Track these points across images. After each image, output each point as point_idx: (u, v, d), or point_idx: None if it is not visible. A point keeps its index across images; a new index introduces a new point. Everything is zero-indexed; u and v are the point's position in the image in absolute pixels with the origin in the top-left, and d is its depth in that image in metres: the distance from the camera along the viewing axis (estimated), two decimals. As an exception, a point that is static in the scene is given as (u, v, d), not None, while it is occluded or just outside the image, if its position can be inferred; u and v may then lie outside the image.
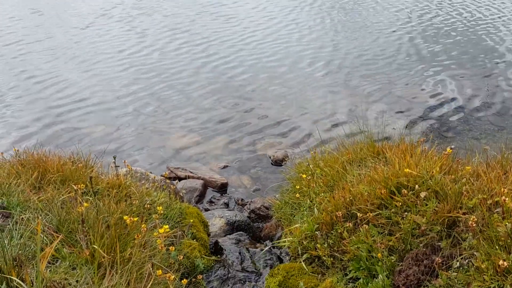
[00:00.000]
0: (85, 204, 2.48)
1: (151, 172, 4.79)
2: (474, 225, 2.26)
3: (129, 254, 2.33)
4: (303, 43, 9.08)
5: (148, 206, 3.06)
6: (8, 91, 7.19)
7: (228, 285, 3.03)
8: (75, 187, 2.92)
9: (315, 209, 3.13)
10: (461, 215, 2.48)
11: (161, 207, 2.98)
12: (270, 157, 5.73)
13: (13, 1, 12.33)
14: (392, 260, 2.53)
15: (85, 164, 3.47)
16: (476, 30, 9.66)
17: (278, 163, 5.61)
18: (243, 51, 8.71)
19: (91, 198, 2.82)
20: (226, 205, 4.73)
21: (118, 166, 3.38)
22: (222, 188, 5.14)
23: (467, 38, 9.26)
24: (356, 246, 2.67)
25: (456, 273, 2.23)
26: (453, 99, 7.02)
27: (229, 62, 8.28)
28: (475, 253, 2.24)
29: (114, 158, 3.30)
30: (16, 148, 5.72)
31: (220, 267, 3.16)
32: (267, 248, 3.54)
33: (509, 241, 2.14)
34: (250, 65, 8.24)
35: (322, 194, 3.34)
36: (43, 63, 8.19)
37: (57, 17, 10.38)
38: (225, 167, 5.60)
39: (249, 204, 4.56)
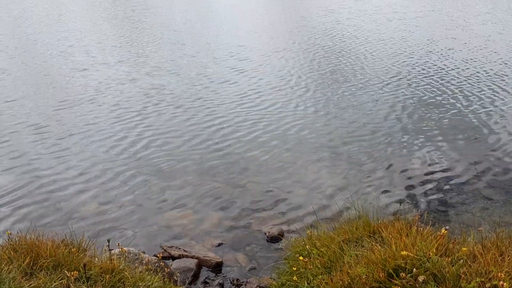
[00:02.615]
0: (78, 294, 2.42)
1: (144, 252, 4.71)
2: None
3: None
4: (297, 115, 9.34)
5: (142, 292, 2.98)
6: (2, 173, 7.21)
7: None
8: (68, 274, 2.86)
9: (313, 293, 3.08)
10: (461, 301, 2.45)
11: (155, 294, 2.91)
12: (265, 234, 5.68)
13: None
14: None
15: (78, 247, 3.42)
16: (467, 101, 10.03)
17: (273, 239, 5.55)
18: (236, 123, 8.90)
19: (84, 286, 2.75)
20: (221, 285, 4.61)
21: (112, 250, 3.34)
22: (217, 267, 5.02)
23: (458, 108, 9.58)
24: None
25: None
26: (445, 171, 7.13)
27: (221, 136, 8.43)
28: None
29: (108, 241, 3.27)
30: (7, 226, 5.70)
31: None
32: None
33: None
34: (242, 136, 8.39)
35: (320, 276, 3.29)
36: (30, 141, 8.28)
37: (45, 91, 10.64)
38: (219, 244, 5.52)
39: (245, 285, 4.45)
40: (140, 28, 17.83)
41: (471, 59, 13.52)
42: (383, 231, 3.56)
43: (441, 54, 14.09)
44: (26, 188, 6.65)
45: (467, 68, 12.53)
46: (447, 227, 3.06)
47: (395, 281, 2.74)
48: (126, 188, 6.71)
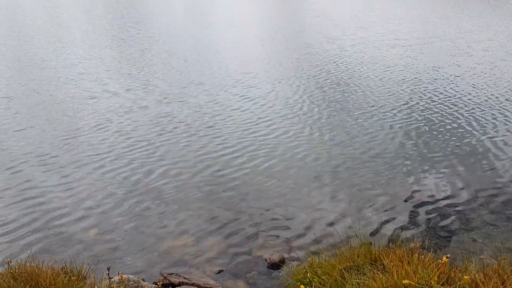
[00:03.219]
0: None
1: (143, 280, 4.68)
2: None
3: None
4: (301, 141, 9.38)
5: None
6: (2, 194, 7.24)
7: None
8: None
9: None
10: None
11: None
12: (266, 260, 5.63)
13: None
14: None
15: (78, 275, 3.40)
16: (471, 127, 10.06)
17: (274, 266, 5.50)
18: (239, 150, 8.93)
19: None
20: (222, 314, 4.54)
21: (112, 278, 3.32)
22: (217, 295, 4.96)
23: (462, 135, 9.60)
24: None
25: None
26: (448, 198, 7.12)
27: (223, 162, 8.44)
28: None
29: (108, 269, 3.26)
30: (7, 254, 5.69)
31: None
32: None
33: None
34: (244, 162, 8.40)
35: (321, 305, 3.25)
36: (37, 170, 8.33)
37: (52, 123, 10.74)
38: (220, 271, 5.47)
39: (246, 314, 4.38)
40: (148, 56, 18.12)
41: (476, 86, 13.62)
42: (384, 259, 3.53)
43: (446, 81, 14.21)
44: (29, 216, 6.65)
45: (472, 95, 12.61)
46: (448, 255, 3.03)
47: (396, 311, 2.71)
48: (126, 215, 6.70)
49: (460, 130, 9.96)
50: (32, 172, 7.96)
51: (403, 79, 14.37)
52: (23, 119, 10.59)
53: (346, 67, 16.05)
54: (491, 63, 16.69)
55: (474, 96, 12.49)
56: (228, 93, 12.75)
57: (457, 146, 9.14)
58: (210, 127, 10.14)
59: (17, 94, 12.59)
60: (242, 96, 12.44)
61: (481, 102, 12.00)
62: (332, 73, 15.09)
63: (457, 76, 14.80)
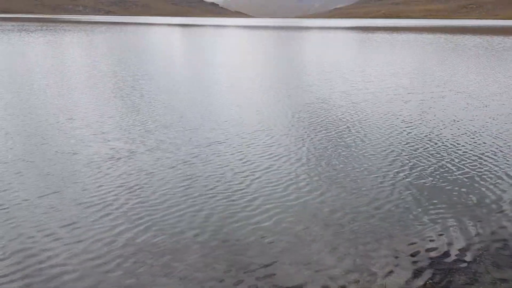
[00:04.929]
0: None
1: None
2: None
3: None
4: (300, 192, 9.53)
5: None
6: None
7: None
8: None
9: None
10: None
11: None
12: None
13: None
14: None
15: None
16: (480, 178, 10.19)
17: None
18: (235, 201, 9.08)
19: None
20: None
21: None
22: None
23: (469, 185, 9.73)
24: None
25: None
26: (452, 251, 7.24)
27: (224, 216, 8.56)
28: None
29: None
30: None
31: None
32: None
33: None
34: (244, 217, 8.51)
35: None
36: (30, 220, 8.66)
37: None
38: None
39: None
40: (142, 106, 18.73)
41: (490, 140, 13.84)
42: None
43: (459, 136, 14.44)
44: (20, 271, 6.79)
45: (485, 149, 12.79)
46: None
47: None
48: (122, 275, 6.74)
49: (467, 181, 10.10)
50: (25, 222, 8.24)
51: (421, 135, 14.67)
52: (17, 169, 11.07)
53: (362, 123, 16.40)
54: (508, 114, 16.94)
55: (486, 151, 12.68)
56: (227, 145, 13.12)
57: (462, 196, 9.30)
58: (207, 178, 10.37)
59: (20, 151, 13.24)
60: (248, 145, 12.81)
61: (496, 157, 12.17)
62: (350, 130, 15.43)
63: (475, 132, 15.03)
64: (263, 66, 35.61)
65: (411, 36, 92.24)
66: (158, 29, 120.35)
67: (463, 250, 7.24)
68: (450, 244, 7.45)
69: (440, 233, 7.81)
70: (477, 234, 7.74)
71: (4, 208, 8.93)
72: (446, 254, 7.15)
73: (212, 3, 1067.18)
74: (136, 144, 13.31)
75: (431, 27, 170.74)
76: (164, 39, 76.33)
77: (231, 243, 7.58)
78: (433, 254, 7.15)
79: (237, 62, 38.49)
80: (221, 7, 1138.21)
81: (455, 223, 8.15)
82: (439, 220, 8.28)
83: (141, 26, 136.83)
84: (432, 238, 7.64)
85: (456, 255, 7.09)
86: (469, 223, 8.18)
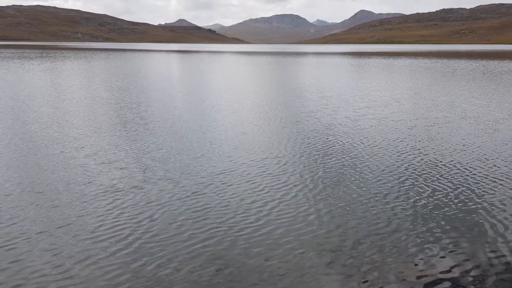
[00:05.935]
0: None
1: None
2: None
3: None
4: (297, 220, 9.39)
5: None
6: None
7: None
8: None
9: None
10: None
11: None
12: None
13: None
14: None
15: None
16: (482, 201, 10.00)
17: None
18: (233, 229, 8.91)
19: None
20: None
21: None
22: None
23: (467, 208, 9.52)
24: None
25: None
26: (454, 276, 7.16)
27: (221, 240, 8.43)
28: None
29: None
30: None
31: None
32: None
33: None
34: (242, 241, 8.45)
35: None
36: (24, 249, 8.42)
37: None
38: None
39: None
40: (148, 134, 18.69)
41: (503, 164, 13.69)
42: None
43: (471, 161, 14.32)
44: None
45: (498, 173, 12.64)
46: None
47: None
48: None
49: (468, 203, 9.91)
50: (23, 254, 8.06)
51: (427, 161, 14.55)
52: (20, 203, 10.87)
53: (372, 149, 16.31)
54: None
55: (499, 177, 12.52)
56: (232, 174, 12.98)
57: (460, 220, 9.18)
58: (202, 207, 10.21)
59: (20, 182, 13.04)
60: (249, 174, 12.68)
61: (501, 184, 12.01)
62: (361, 157, 15.31)
63: (482, 157, 14.93)
64: (265, 92, 35.77)
65: (407, 61, 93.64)
66: (157, 55, 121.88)
67: (465, 275, 7.16)
68: (452, 269, 7.37)
69: (443, 258, 7.74)
70: (479, 258, 7.74)
71: (6, 245, 8.66)
72: (449, 279, 7.04)
73: (209, 30, 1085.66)
74: (145, 174, 13.12)
75: (425, 51, 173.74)
76: (163, 65, 77.16)
77: (226, 268, 7.42)
78: (435, 279, 7.04)
79: (239, 88, 38.73)
80: (218, 34, 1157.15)
81: (448, 250, 8.12)
82: (442, 245, 8.23)
83: (141, 53, 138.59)
84: (433, 263, 7.60)
85: (459, 280, 6.99)
86: (470, 247, 8.13)
